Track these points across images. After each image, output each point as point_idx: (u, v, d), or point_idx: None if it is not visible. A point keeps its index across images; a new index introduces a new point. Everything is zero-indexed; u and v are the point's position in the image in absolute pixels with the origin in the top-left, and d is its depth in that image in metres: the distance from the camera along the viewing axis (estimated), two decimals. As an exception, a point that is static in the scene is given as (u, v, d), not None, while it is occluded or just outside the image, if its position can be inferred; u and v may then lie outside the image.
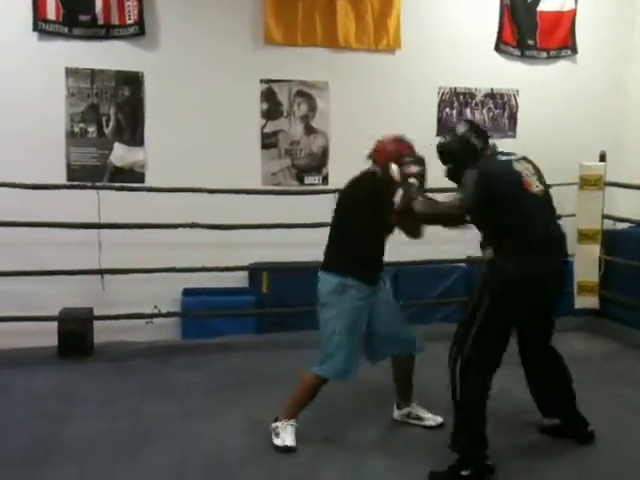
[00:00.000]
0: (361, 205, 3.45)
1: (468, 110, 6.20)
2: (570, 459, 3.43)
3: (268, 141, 5.76)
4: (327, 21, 5.75)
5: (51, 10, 5.15)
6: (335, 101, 5.83)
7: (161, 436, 3.64)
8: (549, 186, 3.46)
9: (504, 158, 3.36)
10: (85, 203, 4.89)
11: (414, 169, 3.36)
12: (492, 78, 6.22)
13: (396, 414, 3.85)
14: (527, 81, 6.30)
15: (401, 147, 3.51)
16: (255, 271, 5.62)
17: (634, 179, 5.69)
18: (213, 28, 5.52)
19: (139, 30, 5.34)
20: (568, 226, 5.82)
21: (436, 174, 3.54)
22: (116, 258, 5.00)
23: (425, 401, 3.86)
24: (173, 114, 5.47)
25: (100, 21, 5.25)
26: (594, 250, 5.71)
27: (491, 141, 3.47)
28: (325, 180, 5.89)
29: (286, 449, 3.42)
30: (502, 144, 6.14)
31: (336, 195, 5.21)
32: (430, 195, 3.48)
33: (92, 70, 5.32)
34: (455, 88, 6.15)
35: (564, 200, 5.83)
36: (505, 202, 3.19)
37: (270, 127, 5.76)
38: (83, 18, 5.23)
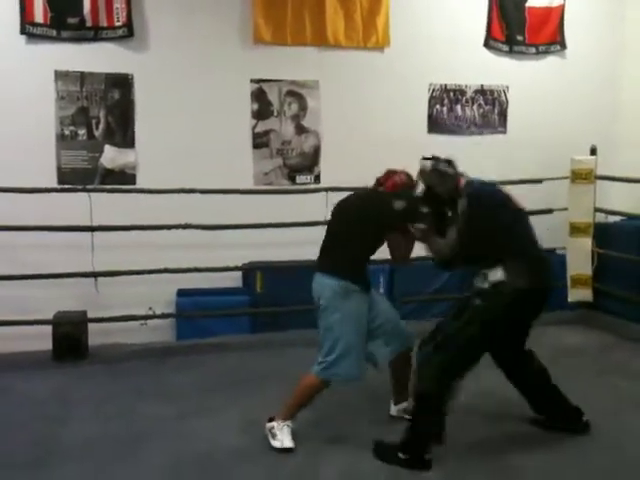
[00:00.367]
0: (372, 224, 3.53)
1: (459, 107, 6.21)
2: (567, 451, 3.44)
3: (259, 141, 5.76)
4: (316, 20, 5.75)
5: (39, 13, 5.13)
6: (326, 100, 5.83)
7: (157, 436, 3.64)
8: None
9: (477, 183, 3.51)
10: (77, 206, 4.88)
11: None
12: (482, 74, 6.23)
13: (393, 410, 3.86)
14: (517, 77, 6.31)
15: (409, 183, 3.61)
16: (249, 271, 5.62)
17: (625, 172, 5.72)
18: (202, 29, 5.51)
19: (128, 32, 5.33)
20: (560, 220, 5.90)
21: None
22: (109, 260, 4.99)
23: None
24: (163, 115, 5.47)
25: (88, 23, 5.24)
26: (586, 243, 5.73)
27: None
28: (317, 179, 5.89)
29: (285, 450, 3.41)
30: (493, 140, 6.32)
31: (328, 194, 5.30)
32: None
33: (81, 73, 5.30)
34: (445, 85, 6.16)
35: (556, 194, 5.89)
36: (498, 221, 3.37)
37: (261, 127, 5.75)
38: (71, 20, 5.21)
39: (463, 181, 3.44)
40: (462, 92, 6.23)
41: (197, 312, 5.42)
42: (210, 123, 5.57)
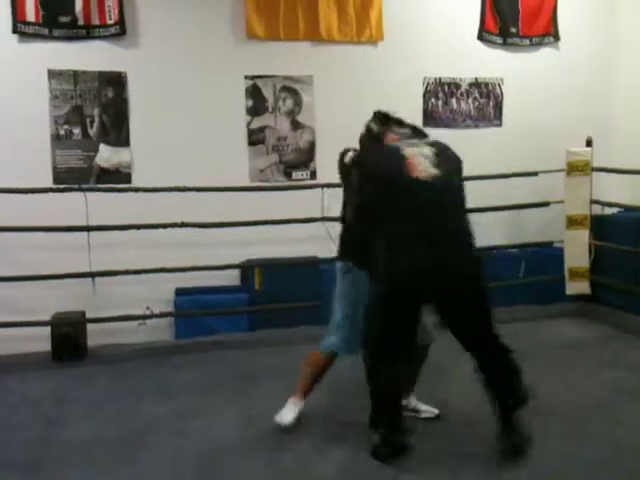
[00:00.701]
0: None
1: (454, 100, 6.20)
2: (563, 442, 3.44)
3: (255, 137, 5.74)
4: (309, 14, 5.73)
5: (30, 12, 5.10)
6: (320, 95, 5.81)
7: (157, 436, 3.64)
8: (457, 175, 3.29)
9: (400, 144, 3.23)
10: (72, 206, 4.86)
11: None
12: (476, 67, 6.22)
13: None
14: (511, 69, 6.31)
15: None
16: (247, 269, 5.61)
17: (622, 164, 5.73)
18: (195, 25, 5.49)
19: (120, 30, 5.30)
20: (557, 212, 5.91)
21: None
22: (106, 260, 4.97)
23: (421, 393, 3.86)
24: (158, 113, 5.44)
25: (80, 22, 5.21)
26: (583, 235, 5.74)
27: (407, 129, 3.42)
28: (313, 175, 5.88)
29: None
30: (488, 133, 6.32)
31: (324, 190, 5.29)
32: None
33: (75, 71, 5.27)
34: (440, 78, 6.15)
35: (552, 186, 5.89)
36: (384, 187, 3.11)
37: (256, 123, 5.74)
38: (63, 19, 5.18)
39: (391, 139, 3.30)
40: (457, 85, 6.22)
41: (195, 311, 5.41)
42: (205, 120, 5.55)
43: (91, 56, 5.29)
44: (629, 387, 4.19)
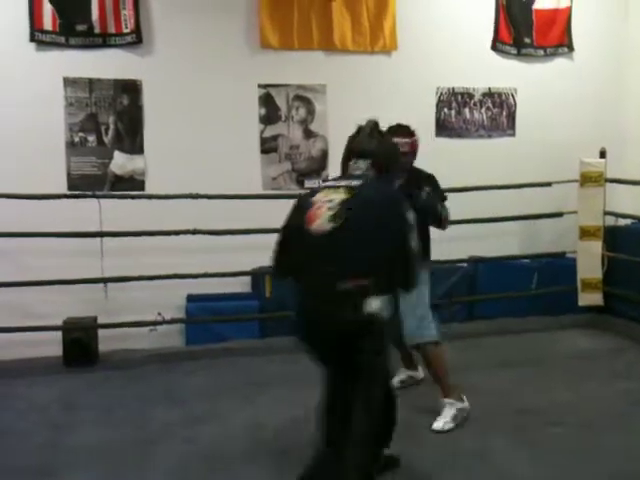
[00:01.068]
0: None
1: (467, 110, 6.20)
2: (576, 455, 3.40)
3: (267, 146, 5.77)
4: (323, 24, 5.76)
5: (48, 20, 5.16)
6: (333, 104, 5.83)
7: (166, 441, 3.64)
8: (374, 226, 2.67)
9: (327, 184, 3.01)
10: (86, 212, 4.90)
11: None
12: (490, 77, 6.22)
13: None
14: (525, 79, 6.30)
15: None
16: (258, 276, 5.61)
17: (635, 175, 5.70)
18: (209, 34, 5.53)
19: (136, 38, 5.35)
20: (570, 223, 5.88)
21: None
22: (119, 266, 5.00)
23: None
24: (172, 121, 5.48)
25: (97, 30, 5.27)
26: (596, 247, 5.70)
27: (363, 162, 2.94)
28: (325, 183, 5.88)
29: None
30: (502, 143, 6.30)
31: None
32: None
33: (90, 79, 5.32)
34: (453, 88, 6.15)
35: (565, 197, 5.86)
36: (291, 237, 2.90)
37: (269, 132, 5.76)
38: (80, 28, 5.24)
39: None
40: (470, 95, 6.22)
41: (206, 317, 5.42)
42: (218, 128, 5.58)
43: (107, 64, 5.34)
44: (643, 399, 4.15)
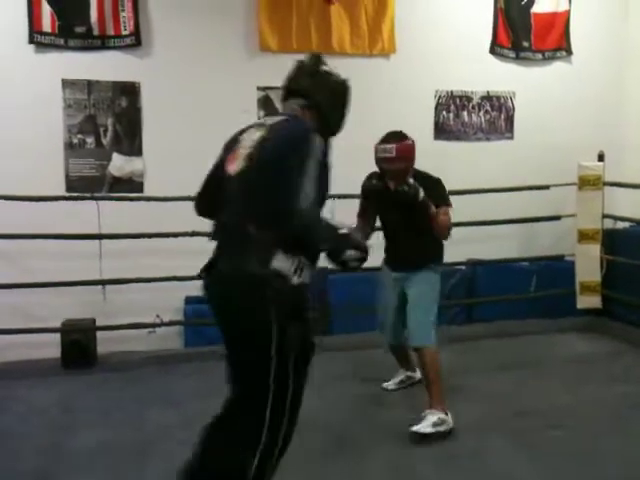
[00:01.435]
0: None
1: (465, 113, 6.21)
2: (576, 459, 3.40)
3: (266, 148, 5.76)
4: (321, 27, 5.76)
5: (46, 22, 5.16)
6: (332, 107, 5.82)
7: (165, 444, 3.63)
8: (268, 161, 2.40)
9: (255, 122, 2.73)
10: (85, 214, 4.90)
11: None
12: (488, 80, 6.23)
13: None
14: (523, 83, 6.31)
15: None
16: (256, 278, 5.60)
17: (634, 178, 5.71)
18: (208, 36, 5.53)
19: (135, 40, 5.35)
20: (569, 226, 5.88)
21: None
22: (117, 268, 4.99)
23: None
24: (170, 123, 5.48)
25: (95, 32, 5.26)
26: (595, 250, 5.71)
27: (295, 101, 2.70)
28: (324, 186, 5.88)
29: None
30: (500, 146, 6.31)
31: (335, 201, 5.28)
32: None
33: (89, 81, 5.32)
34: (452, 91, 6.16)
35: (564, 200, 5.87)
36: (215, 177, 2.71)
37: (268, 134, 5.75)
38: (78, 29, 5.24)
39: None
40: (468, 98, 6.23)
41: (205, 319, 5.40)
42: (217, 130, 5.49)
43: (105, 66, 5.34)
44: (641, 403, 4.15)
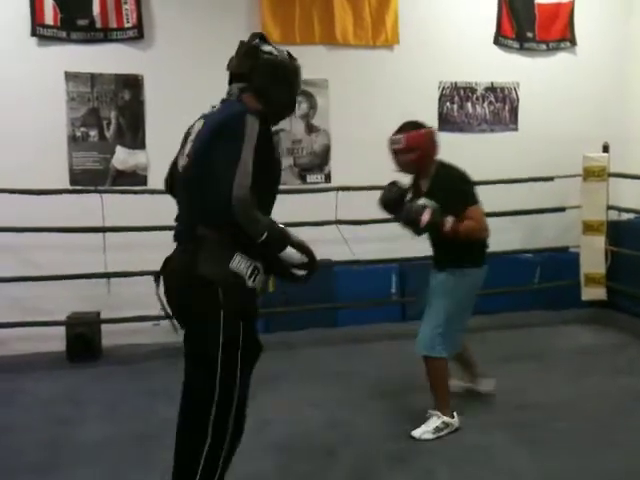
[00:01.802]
0: None
1: (469, 104, 6.19)
2: (580, 451, 3.40)
3: (270, 140, 5.75)
4: (324, 18, 5.74)
5: (49, 15, 5.15)
6: (335, 99, 5.82)
7: (170, 437, 3.61)
8: (206, 154, 2.33)
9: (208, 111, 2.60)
10: (89, 207, 4.90)
11: None
12: (492, 71, 6.21)
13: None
14: (527, 74, 6.28)
15: None
16: (260, 271, 5.61)
17: (638, 169, 5.69)
18: (211, 28, 5.51)
19: (138, 33, 5.34)
20: (573, 217, 5.86)
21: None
22: (121, 261, 5.00)
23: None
24: (174, 116, 5.42)
25: (98, 25, 5.26)
26: (599, 241, 5.69)
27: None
28: (327, 178, 5.88)
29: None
30: (504, 137, 6.29)
31: (338, 193, 5.29)
32: None
33: (92, 74, 5.32)
34: (456, 82, 6.14)
35: (568, 192, 5.85)
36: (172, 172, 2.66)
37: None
38: (81, 22, 5.23)
39: None
40: (472, 90, 6.20)
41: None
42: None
43: (108, 59, 5.33)
44: (646, 395, 4.15)
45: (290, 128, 5.79)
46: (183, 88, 5.49)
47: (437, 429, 3.54)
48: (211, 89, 5.67)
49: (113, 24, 5.29)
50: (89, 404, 4.15)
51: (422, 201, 3.41)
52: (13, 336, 4.96)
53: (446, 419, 3.57)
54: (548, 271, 6.03)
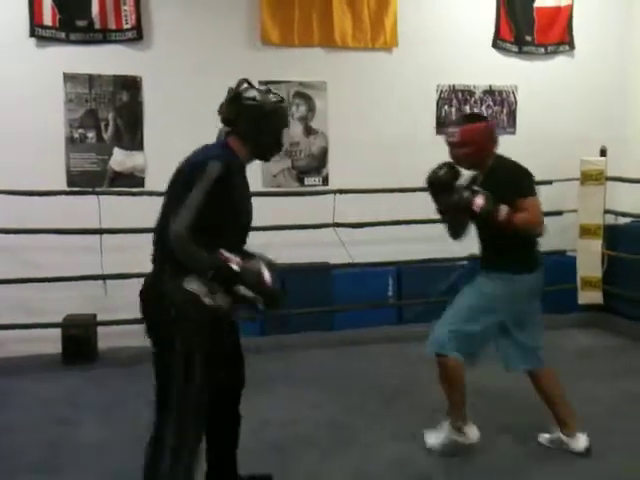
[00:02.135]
0: None
1: (467, 107, 6.19)
2: (577, 456, 3.40)
3: (267, 142, 5.75)
4: (324, 21, 5.74)
5: (47, 16, 5.14)
6: (333, 101, 5.82)
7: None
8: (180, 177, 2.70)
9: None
10: (86, 208, 4.89)
11: None
12: (490, 75, 6.21)
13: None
14: (526, 77, 6.29)
15: None
16: (257, 273, 5.60)
17: (636, 173, 5.70)
18: (210, 31, 5.51)
19: (137, 34, 5.34)
20: (570, 221, 5.87)
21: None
22: (118, 263, 4.99)
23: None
24: (172, 117, 5.46)
25: (97, 26, 5.25)
26: (596, 245, 5.71)
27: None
28: (325, 181, 5.88)
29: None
30: (502, 140, 6.12)
31: (336, 195, 5.29)
32: None
33: (90, 75, 5.31)
34: (454, 85, 6.14)
35: (566, 195, 5.86)
36: None
37: (269, 128, 5.74)
38: (80, 23, 5.22)
39: None
40: (470, 93, 6.21)
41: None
42: (218, 125, 5.55)
43: (107, 60, 5.32)
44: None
45: (288, 130, 5.77)
46: (182, 90, 5.49)
47: (444, 445, 3.38)
48: (209, 91, 5.68)
49: (112, 25, 5.29)
50: (85, 406, 4.15)
51: (475, 188, 3.24)
52: (9, 338, 4.94)
53: (454, 437, 3.35)
54: (545, 274, 6.01)
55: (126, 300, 5.14)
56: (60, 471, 3.32)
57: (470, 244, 5.71)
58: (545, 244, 6.06)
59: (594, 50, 6.38)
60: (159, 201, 5.16)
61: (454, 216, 3.37)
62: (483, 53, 6.17)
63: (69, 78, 5.28)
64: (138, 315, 5.21)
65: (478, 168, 3.42)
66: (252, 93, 2.73)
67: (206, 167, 2.51)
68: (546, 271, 5.96)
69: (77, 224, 4.90)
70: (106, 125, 5.38)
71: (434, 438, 3.44)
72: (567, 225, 5.87)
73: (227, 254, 2.45)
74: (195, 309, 2.48)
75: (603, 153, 5.80)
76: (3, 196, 4.76)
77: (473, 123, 3.39)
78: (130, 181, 5.40)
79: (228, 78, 5.82)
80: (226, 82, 6.02)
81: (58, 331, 5.01)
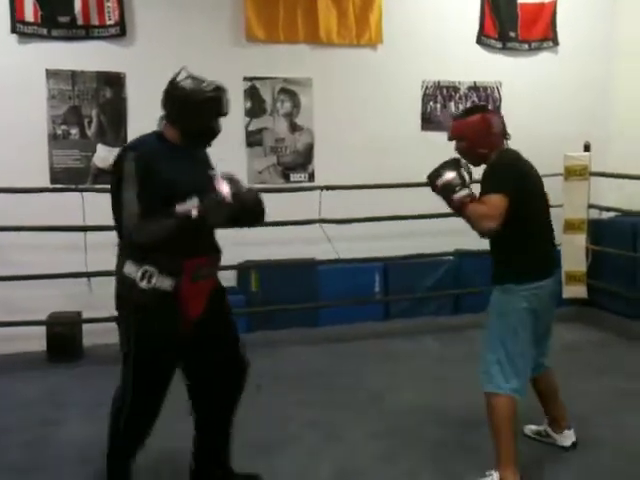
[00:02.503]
0: None
1: (452, 103, 6.21)
2: (563, 452, 3.42)
3: (253, 139, 5.74)
4: (308, 17, 5.73)
5: (29, 12, 5.09)
6: (319, 97, 5.82)
7: (154, 438, 3.60)
8: None
9: None
10: (69, 206, 4.84)
11: None
12: (475, 71, 6.23)
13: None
14: (510, 73, 6.32)
15: None
16: (243, 270, 5.60)
17: (619, 168, 5.73)
18: (195, 26, 5.48)
19: (120, 30, 5.30)
20: (555, 216, 5.87)
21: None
22: (103, 260, 4.92)
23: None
24: (156, 114, 5.34)
25: (79, 22, 5.21)
26: (580, 240, 5.73)
27: None
28: (311, 177, 5.87)
29: None
30: None
31: (322, 192, 5.29)
32: None
33: (73, 71, 5.27)
34: (439, 82, 6.15)
35: (550, 190, 5.84)
36: None
37: (254, 125, 5.73)
38: (62, 19, 5.18)
39: None
40: (455, 89, 6.22)
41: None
42: (203, 121, 5.54)
43: (90, 56, 5.28)
44: (628, 393, 4.17)
45: (273, 127, 5.77)
46: (165, 86, 5.44)
47: None
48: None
49: (95, 21, 5.24)
50: (70, 405, 4.11)
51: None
52: (-7, 336, 4.90)
53: None
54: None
55: (111, 297, 5.12)
56: (43, 471, 3.29)
57: (455, 240, 5.78)
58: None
59: (578, 46, 6.42)
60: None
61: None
62: (468, 49, 6.19)
63: (52, 74, 5.23)
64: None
65: (482, 162, 3.26)
66: (183, 82, 2.86)
67: (120, 159, 2.78)
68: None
69: (61, 221, 4.86)
70: (89, 122, 5.34)
71: None
72: (552, 220, 5.89)
73: (181, 207, 2.57)
74: (130, 293, 2.72)
75: (587, 148, 5.83)
76: (-14, 193, 4.72)
77: (468, 117, 3.29)
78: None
79: (212, 75, 5.79)
80: (210, 77, 5.99)
81: (43, 329, 4.97)
